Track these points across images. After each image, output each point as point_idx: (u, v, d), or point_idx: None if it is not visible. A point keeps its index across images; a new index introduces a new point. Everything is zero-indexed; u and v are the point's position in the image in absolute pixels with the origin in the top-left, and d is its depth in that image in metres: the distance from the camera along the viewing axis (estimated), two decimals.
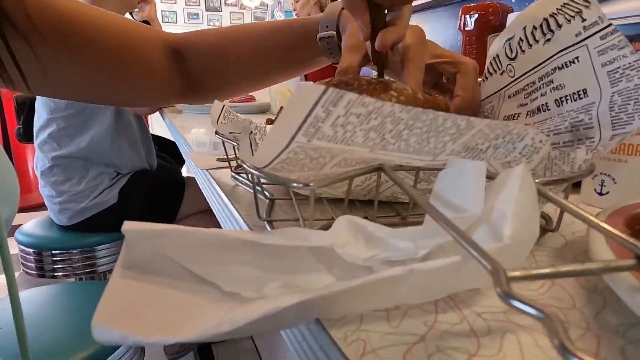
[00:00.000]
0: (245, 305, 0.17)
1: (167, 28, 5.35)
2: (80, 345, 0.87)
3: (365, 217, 0.24)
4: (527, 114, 0.39)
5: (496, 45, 0.43)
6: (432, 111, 0.21)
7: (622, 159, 0.39)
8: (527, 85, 0.39)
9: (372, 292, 0.17)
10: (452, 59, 0.45)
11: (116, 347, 0.90)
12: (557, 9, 0.35)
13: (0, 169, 0.34)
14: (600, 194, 0.40)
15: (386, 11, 0.40)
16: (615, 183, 0.40)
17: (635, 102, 0.30)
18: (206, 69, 0.57)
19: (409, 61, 0.41)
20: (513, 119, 0.40)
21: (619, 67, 0.31)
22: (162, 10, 5.68)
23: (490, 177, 0.22)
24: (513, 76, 0.41)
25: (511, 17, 0.73)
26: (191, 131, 1.02)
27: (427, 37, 0.45)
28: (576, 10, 0.34)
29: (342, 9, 0.49)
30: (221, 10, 5.60)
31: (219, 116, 0.49)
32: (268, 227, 0.32)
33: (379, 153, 0.23)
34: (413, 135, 0.22)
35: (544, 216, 0.33)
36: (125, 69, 0.51)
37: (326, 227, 0.24)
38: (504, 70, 0.42)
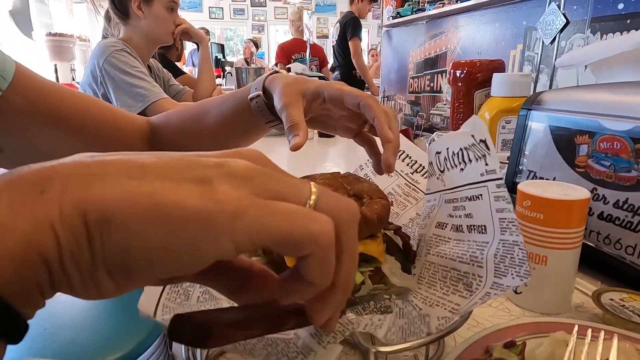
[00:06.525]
0: None
1: (214, 24, 5.52)
2: (112, 348, 0.97)
3: None
4: (452, 228, 0.42)
5: (430, 153, 0.45)
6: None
7: (530, 266, 0.41)
8: (454, 199, 0.42)
9: None
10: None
11: (146, 347, 1.00)
12: (468, 146, 0.38)
13: None
14: (516, 292, 0.44)
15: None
16: (526, 285, 0.42)
17: (510, 258, 0.32)
18: (176, 143, 0.65)
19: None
20: (442, 228, 0.43)
21: (506, 218, 0.34)
22: (209, 7, 5.87)
23: None
24: (444, 186, 0.43)
25: (495, 77, 0.74)
26: None
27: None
28: (481, 153, 0.36)
29: (268, 75, 0.54)
30: (265, 6, 5.67)
31: None
32: None
33: None
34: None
35: None
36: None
37: None
38: (437, 177, 0.45)
